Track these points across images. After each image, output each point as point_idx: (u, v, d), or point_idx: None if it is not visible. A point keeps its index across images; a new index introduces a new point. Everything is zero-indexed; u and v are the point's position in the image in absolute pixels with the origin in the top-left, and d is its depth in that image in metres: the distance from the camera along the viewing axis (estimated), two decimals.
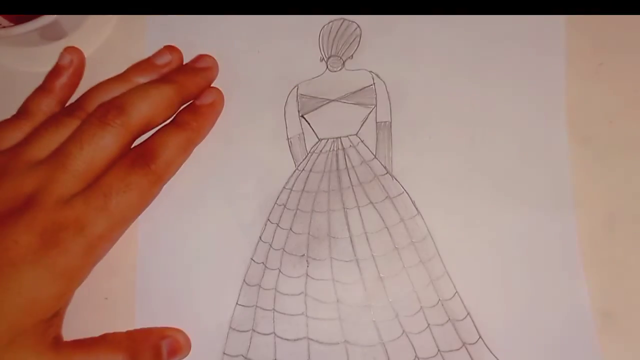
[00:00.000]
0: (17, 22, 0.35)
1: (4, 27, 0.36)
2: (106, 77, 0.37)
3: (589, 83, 0.34)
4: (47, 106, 0.35)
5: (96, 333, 0.33)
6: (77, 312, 0.33)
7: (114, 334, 0.32)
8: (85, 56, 0.38)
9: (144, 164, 0.32)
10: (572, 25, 0.35)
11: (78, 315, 0.34)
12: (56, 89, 0.36)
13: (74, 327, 0.33)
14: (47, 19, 0.35)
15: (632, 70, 0.34)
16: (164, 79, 0.35)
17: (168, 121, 0.35)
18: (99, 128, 0.32)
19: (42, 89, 0.36)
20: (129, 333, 0.33)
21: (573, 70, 0.34)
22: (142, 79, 0.36)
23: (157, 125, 0.35)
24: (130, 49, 0.39)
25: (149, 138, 0.34)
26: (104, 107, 0.33)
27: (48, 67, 0.37)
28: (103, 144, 0.32)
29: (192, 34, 0.38)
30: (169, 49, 0.37)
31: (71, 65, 0.37)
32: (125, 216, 0.32)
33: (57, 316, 0.31)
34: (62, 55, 0.37)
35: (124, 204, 0.32)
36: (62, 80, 0.36)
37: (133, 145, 0.34)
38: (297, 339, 0.32)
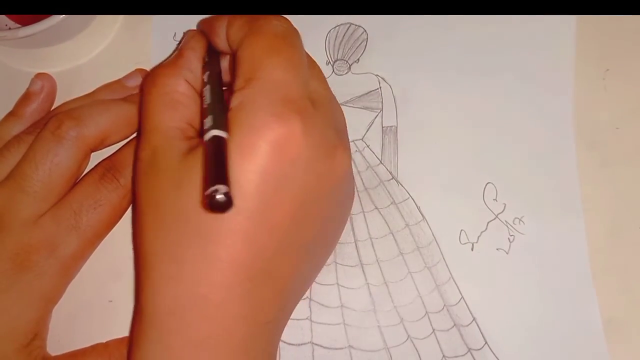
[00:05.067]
0: (23, 24, 0.35)
1: (10, 28, 0.36)
2: (112, 79, 0.37)
3: (596, 89, 0.34)
4: (17, 132, 0.34)
5: (100, 336, 0.33)
6: (81, 315, 0.33)
7: (106, 343, 0.32)
8: (91, 58, 0.38)
9: (112, 178, 0.32)
10: (579, 31, 0.35)
11: (83, 319, 0.33)
12: (26, 115, 0.35)
13: (78, 330, 0.33)
14: (52, 21, 0.34)
15: (639, 76, 0.34)
16: (127, 98, 0.35)
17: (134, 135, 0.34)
18: (53, 142, 0.31)
19: (13, 115, 0.36)
20: (120, 340, 0.32)
21: (580, 76, 0.34)
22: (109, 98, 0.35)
23: (114, 143, 0.34)
24: (135, 50, 0.38)
25: (116, 151, 0.34)
26: (58, 119, 0.32)
27: (54, 68, 0.37)
28: (58, 161, 0.31)
29: None
30: (141, 72, 0.37)
31: (42, 90, 0.36)
32: (97, 233, 0.32)
33: (37, 339, 0.31)
34: (32, 81, 0.37)
35: (94, 220, 0.31)
36: (33, 106, 0.36)
37: None
38: (302, 344, 0.32)
